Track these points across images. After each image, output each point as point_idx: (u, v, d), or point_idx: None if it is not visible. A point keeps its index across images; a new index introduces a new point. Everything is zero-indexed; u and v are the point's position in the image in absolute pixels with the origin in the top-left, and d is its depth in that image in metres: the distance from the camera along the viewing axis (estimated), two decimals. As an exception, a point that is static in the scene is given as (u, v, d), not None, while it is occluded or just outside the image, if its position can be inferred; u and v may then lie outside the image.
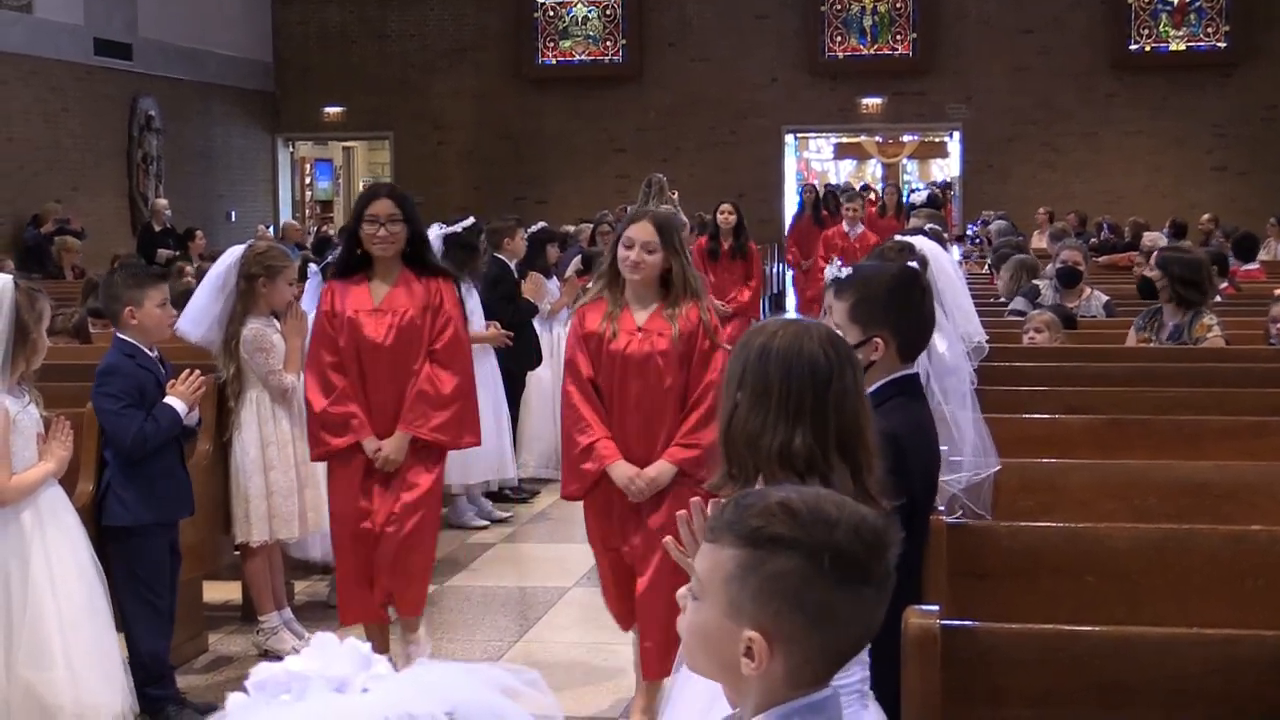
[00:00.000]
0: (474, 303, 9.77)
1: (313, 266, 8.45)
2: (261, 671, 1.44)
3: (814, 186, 22.47)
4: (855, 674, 3.20)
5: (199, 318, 7.26)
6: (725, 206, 14.07)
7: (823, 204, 20.61)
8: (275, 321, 7.29)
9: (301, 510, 7.31)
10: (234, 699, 1.44)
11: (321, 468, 7.04)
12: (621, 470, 5.86)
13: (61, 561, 5.51)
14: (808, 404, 3.09)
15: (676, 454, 5.86)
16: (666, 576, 5.56)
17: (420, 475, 6.69)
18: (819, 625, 2.13)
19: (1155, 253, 9.71)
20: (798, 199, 22.28)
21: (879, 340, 3.90)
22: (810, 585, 2.12)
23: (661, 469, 5.86)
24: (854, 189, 25.10)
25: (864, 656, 3.23)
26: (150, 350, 6.32)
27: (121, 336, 6.31)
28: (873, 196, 24.29)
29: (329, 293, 6.74)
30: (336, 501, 6.76)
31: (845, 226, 15.61)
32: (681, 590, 2.27)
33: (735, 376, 3.18)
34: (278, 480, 7.22)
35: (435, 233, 9.78)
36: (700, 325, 5.90)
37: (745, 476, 3.20)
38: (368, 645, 1.46)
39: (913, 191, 26.79)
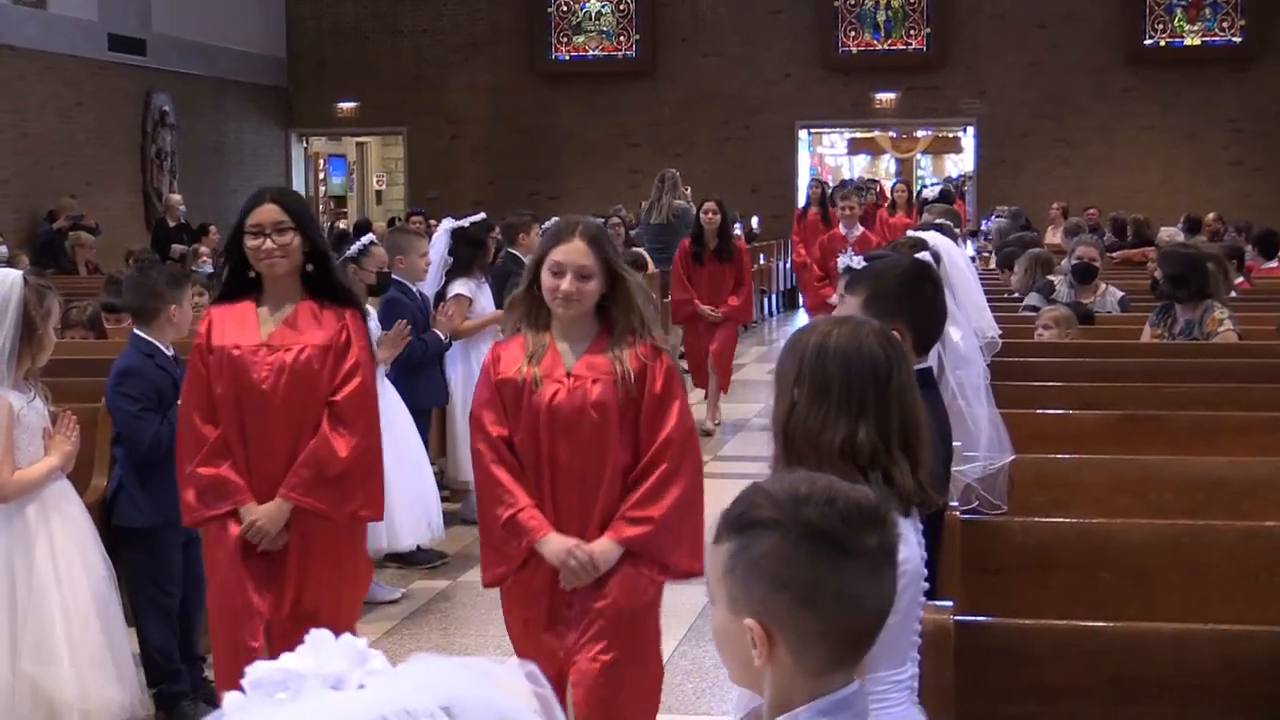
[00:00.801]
0: (485, 299, 9.79)
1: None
2: (258, 670, 1.42)
3: (820, 182, 21.87)
4: (907, 670, 3.18)
5: None
6: (709, 205, 13.13)
7: (830, 200, 19.64)
8: None
9: None
10: (230, 698, 1.42)
11: None
12: (555, 544, 4.56)
13: (67, 557, 5.50)
14: (870, 399, 3.08)
15: (623, 531, 4.58)
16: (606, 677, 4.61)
17: (331, 558, 5.33)
18: (807, 603, 2.14)
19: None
20: (805, 195, 21.39)
21: (896, 333, 3.88)
22: (789, 563, 2.14)
23: (605, 547, 4.57)
24: (863, 182, 24.75)
25: (915, 654, 3.22)
26: (167, 349, 6.32)
27: (141, 335, 6.29)
28: (881, 189, 23.59)
29: (206, 321, 5.35)
30: (213, 585, 5.38)
31: (842, 228, 14.18)
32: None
33: (791, 375, 3.15)
34: None
35: (445, 226, 9.82)
36: (652, 364, 4.63)
37: None
38: (363, 641, 1.44)
39: (924, 187, 26.65)
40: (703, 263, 12.99)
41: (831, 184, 23.27)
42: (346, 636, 1.44)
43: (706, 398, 13.26)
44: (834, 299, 11.69)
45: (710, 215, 12.98)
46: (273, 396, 5.19)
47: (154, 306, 6.29)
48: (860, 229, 13.98)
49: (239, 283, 5.28)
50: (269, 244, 5.12)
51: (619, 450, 4.63)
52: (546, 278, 4.59)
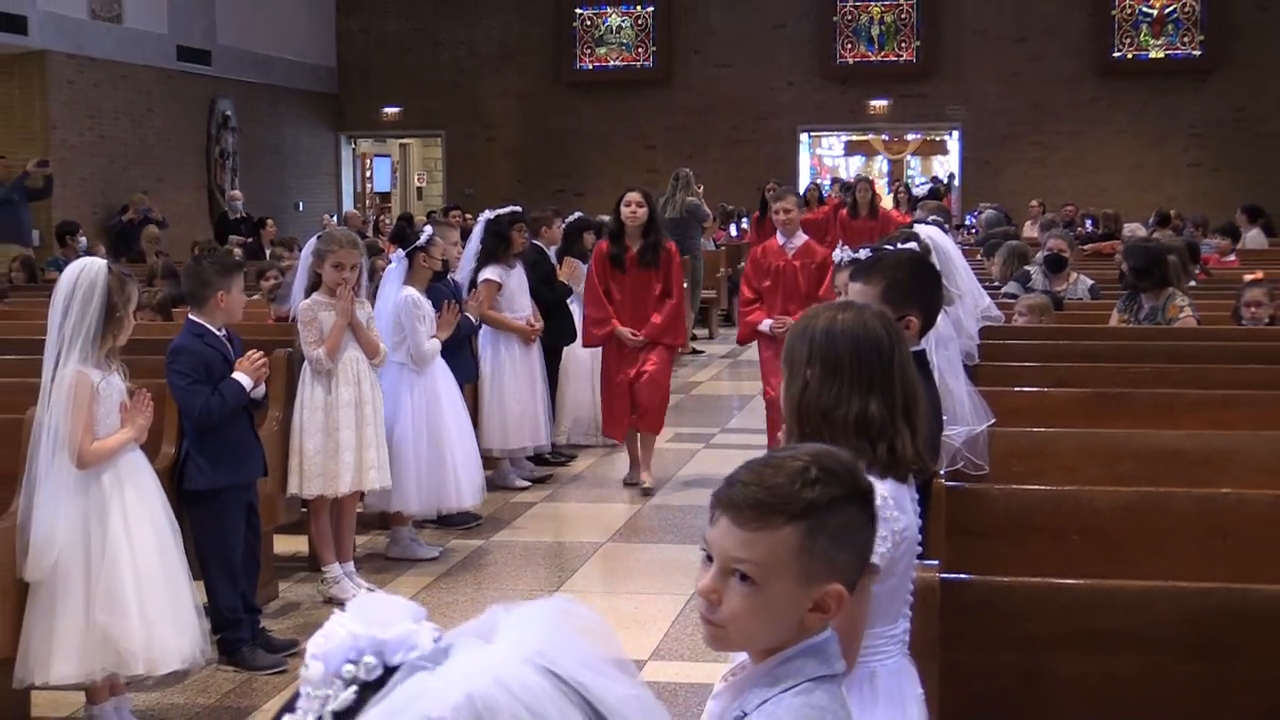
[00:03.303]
0: (516, 281, 9.83)
1: (395, 254, 8.43)
2: (327, 642, 1.20)
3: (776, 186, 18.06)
4: (900, 626, 3.17)
5: (294, 297, 7.44)
6: (632, 197, 9.56)
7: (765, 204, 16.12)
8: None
9: (335, 472, 7.25)
10: (310, 670, 1.19)
11: (355, 434, 7.17)
12: None
13: (138, 520, 5.52)
14: (877, 376, 3.06)
15: None
16: None
17: None
18: (862, 558, 2.21)
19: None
20: (760, 200, 17.34)
21: (911, 319, 3.87)
22: (860, 525, 2.18)
23: None
24: (855, 181, 23.41)
25: (908, 610, 3.22)
26: (219, 330, 6.34)
27: (194, 319, 6.34)
28: (832, 194, 20.04)
29: None
30: None
31: (780, 237, 9.59)
32: (704, 586, 2.15)
33: (803, 356, 3.11)
34: (308, 443, 7.23)
35: (483, 216, 9.93)
36: None
37: None
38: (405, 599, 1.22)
39: (898, 186, 26.25)
40: (624, 268, 9.62)
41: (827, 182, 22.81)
42: (393, 596, 1.23)
43: (631, 455, 9.97)
44: (765, 326, 9.55)
45: (633, 209, 9.52)
46: None
47: (204, 293, 6.34)
48: (803, 238, 9.75)
49: None
50: None
51: None
52: None
